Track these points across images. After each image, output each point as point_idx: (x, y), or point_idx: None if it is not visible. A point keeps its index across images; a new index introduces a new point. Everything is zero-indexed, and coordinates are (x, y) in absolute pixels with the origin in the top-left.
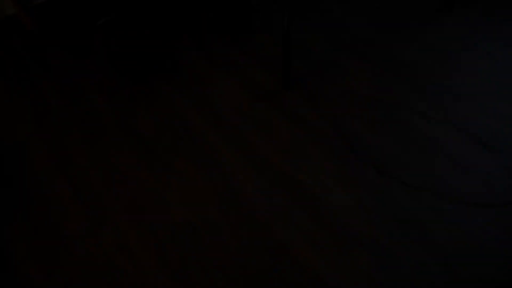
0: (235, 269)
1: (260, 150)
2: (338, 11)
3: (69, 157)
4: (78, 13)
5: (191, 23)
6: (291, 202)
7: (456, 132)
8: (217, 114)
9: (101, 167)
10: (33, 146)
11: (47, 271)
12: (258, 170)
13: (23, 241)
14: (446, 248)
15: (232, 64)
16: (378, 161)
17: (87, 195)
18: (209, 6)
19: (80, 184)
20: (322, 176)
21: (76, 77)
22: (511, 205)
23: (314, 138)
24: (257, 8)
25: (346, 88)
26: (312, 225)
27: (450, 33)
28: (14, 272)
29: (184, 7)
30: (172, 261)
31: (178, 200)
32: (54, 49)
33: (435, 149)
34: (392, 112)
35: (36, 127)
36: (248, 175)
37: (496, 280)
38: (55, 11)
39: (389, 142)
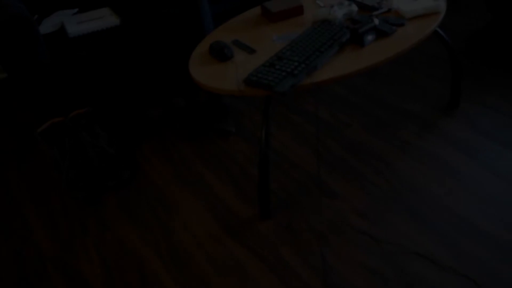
0: None
1: None
2: (324, 113)
3: None
4: (20, 108)
5: (154, 125)
6: None
7: None
8: (180, 256)
9: None
10: None
11: None
12: None
13: None
14: None
15: (198, 179)
16: None
17: None
18: (176, 107)
19: None
20: None
21: (13, 190)
22: None
23: None
24: (230, 109)
25: (336, 217)
26: None
27: (456, 140)
28: None
29: (145, 105)
30: None
31: None
32: None
33: None
34: (393, 256)
35: None
36: None
37: None
38: None
39: None
